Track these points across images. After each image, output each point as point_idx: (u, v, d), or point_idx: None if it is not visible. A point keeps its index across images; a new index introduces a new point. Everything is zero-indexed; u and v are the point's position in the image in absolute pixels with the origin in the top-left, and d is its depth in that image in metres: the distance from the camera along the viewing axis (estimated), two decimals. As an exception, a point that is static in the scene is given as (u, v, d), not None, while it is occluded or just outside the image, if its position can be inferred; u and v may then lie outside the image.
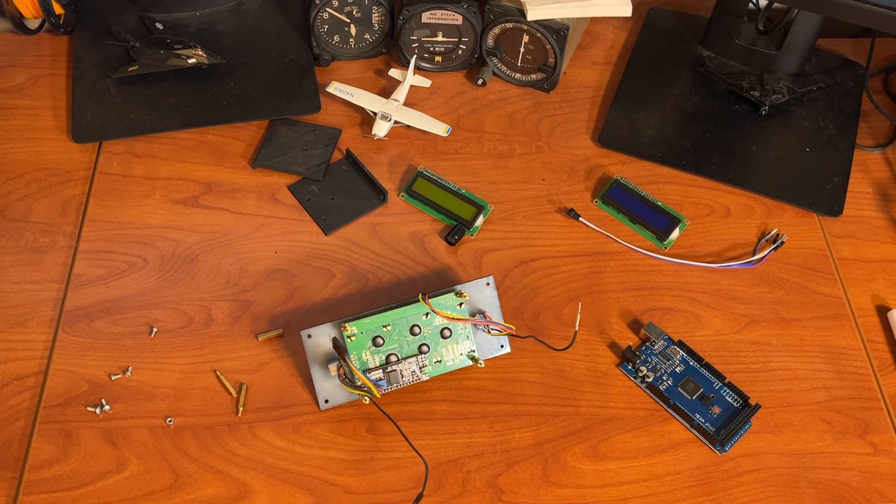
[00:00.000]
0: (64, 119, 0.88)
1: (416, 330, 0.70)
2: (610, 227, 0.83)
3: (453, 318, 0.70)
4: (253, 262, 0.78)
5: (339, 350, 0.68)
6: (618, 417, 0.71)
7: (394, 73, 0.93)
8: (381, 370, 0.70)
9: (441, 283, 0.78)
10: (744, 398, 0.71)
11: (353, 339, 0.69)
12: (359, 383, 0.68)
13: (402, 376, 0.70)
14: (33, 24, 0.94)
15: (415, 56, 0.93)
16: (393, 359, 0.70)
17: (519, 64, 0.93)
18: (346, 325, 0.68)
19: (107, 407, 0.69)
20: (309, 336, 0.69)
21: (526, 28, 0.89)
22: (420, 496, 0.65)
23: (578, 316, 0.76)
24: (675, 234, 0.82)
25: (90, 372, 0.71)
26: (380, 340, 0.70)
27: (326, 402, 0.70)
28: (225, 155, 0.86)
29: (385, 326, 0.70)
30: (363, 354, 0.69)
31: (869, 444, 0.71)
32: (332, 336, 0.69)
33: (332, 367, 0.69)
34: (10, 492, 0.65)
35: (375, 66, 0.95)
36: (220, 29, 0.95)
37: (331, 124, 0.89)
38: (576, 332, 0.75)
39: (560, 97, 0.94)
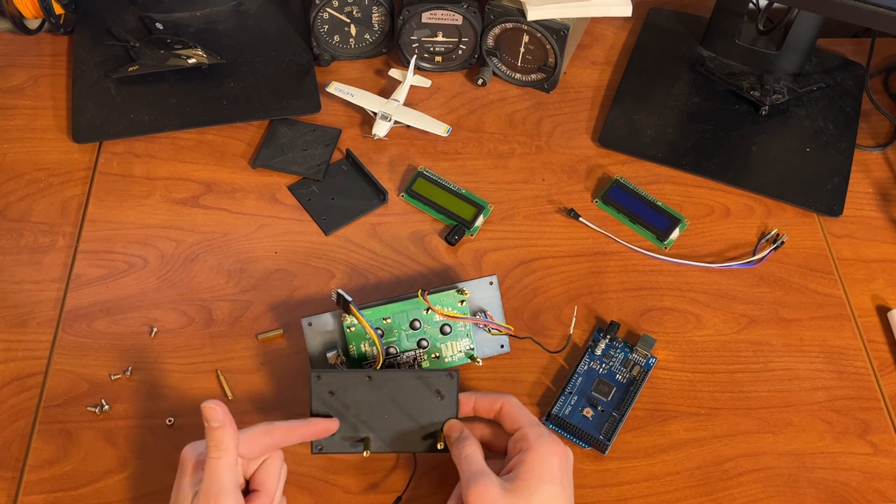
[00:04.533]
0: (64, 119, 0.88)
1: (417, 324, 0.70)
2: (610, 227, 0.83)
3: (449, 316, 0.70)
4: (253, 262, 0.78)
5: (345, 303, 0.67)
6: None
7: (394, 73, 0.93)
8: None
9: (441, 283, 0.78)
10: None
11: (352, 329, 0.69)
12: (367, 338, 0.68)
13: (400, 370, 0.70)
14: (33, 24, 0.94)
15: (415, 56, 0.93)
16: (392, 351, 0.70)
17: (519, 64, 0.93)
18: (347, 314, 0.68)
19: (107, 407, 0.69)
20: (310, 324, 0.69)
21: (526, 28, 0.89)
22: (399, 500, 0.65)
23: (574, 319, 0.76)
24: (675, 234, 0.82)
25: (90, 372, 0.71)
26: (379, 332, 0.70)
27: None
28: (225, 155, 0.86)
29: (385, 319, 0.70)
30: (362, 346, 0.69)
31: (869, 444, 0.71)
32: (337, 292, 0.68)
33: (331, 355, 0.69)
34: (10, 492, 0.65)
35: (375, 66, 0.95)
36: (220, 29, 0.95)
37: (331, 124, 0.89)
38: (570, 335, 0.75)
39: (560, 97, 0.94)
